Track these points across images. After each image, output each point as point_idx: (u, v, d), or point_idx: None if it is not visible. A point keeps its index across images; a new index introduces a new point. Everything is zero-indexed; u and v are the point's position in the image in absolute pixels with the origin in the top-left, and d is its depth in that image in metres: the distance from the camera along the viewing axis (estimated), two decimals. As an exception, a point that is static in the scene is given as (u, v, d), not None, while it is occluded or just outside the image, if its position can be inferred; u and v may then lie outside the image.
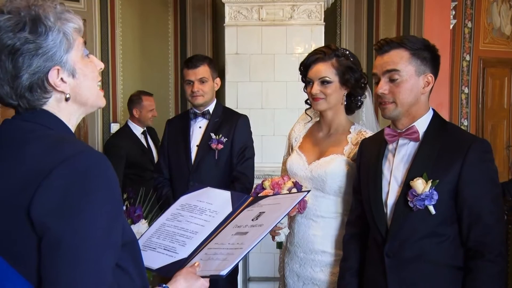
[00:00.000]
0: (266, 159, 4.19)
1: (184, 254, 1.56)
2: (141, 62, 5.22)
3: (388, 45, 1.91)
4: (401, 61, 1.88)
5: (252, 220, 1.59)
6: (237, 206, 1.69)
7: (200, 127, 3.23)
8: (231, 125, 3.20)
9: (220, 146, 3.14)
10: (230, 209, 1.69)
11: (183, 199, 1.80)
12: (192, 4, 5.58)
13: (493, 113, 6.94)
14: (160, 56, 5.40)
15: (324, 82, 2.23)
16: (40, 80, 1.18)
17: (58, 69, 1.19)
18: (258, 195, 2.16)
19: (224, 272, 1.42)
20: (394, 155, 1.95)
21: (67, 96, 1.22)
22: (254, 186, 2.33)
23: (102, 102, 1.32)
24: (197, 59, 3.21)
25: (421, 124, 1.92)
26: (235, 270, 3.25)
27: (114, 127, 5.02)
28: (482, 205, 1.81)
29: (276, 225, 2.22)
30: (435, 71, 1.92)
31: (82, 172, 1.10)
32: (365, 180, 2.02)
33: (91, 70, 1.27)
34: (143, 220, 2.28)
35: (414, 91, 1.89)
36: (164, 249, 1.61)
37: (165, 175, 3.28)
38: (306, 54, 2.36)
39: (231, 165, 3.18)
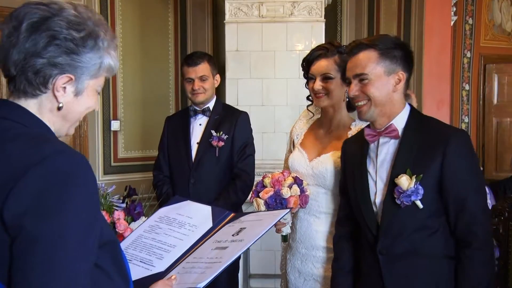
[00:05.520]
0: (266, 156, 4.19)
1: (161, 268, 1.53)
2: (141, 59, 5.20)
3: (357, 47, 1.94)
4: (369, 62, 1.90)
5: (233, 235, 1.57)
6: (218, 221, 1.67)
7: (200, 124, 3.22)
8: (232, 122, 3.19)
9: (221, 143, 3.13)
10: (210, 225, 1.67)
11: (162, 211, 1.77)
12: (192, 1, 5.56)
13: (501, 109, 6.90)
14: (160, 53, 5.38)
15: (326, 78, 2.23)
16: (49, 74, 1.19)
17: (70, 79, 1.21)
18: (253, 204, 2.17)
19: (201, 285, 1.40)
20: (376, 155, 1.97)
21: (60, 105, 1.23)
22: (255, 183, 2.32)
23: (72, 131, 1.33)
24: (197, 56, 3.19)
25: (399, 121, 1.94)
26: (235, 267, 3.26)
27: (114, 125, 5.01)
28: (466, 195, 1.84)
29: (279, 221, 2.23)
30: (407, 68, 1.94)
31: (61, 173, 1.08)
32: (351, 181, 2.04)
33: (92, 103, 1.29)
34: (143, 217, 2.27)
35: (385, 90, 1.90)
36: (140, 261, 1.57)
37: (165, 173, 3.27)
38: (307, 51, 2.37)
39: (232, 162, 3.17)
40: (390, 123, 1.94)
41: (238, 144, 3.18)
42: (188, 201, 1.82)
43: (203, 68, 3.15)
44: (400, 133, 1.93)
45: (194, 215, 1.71)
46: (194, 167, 3.14)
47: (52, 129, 1.25)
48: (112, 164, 5.05)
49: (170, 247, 1.60)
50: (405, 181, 1.83)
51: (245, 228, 1.59)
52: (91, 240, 1.13)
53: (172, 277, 1.47)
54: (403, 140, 1.92)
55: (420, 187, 1.82)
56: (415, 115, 1.97)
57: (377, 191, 1.95)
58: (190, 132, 3.22)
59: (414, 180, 1.82)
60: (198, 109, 3.22)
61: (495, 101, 6.90)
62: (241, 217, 1.68)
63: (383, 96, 1.90)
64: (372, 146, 1.99)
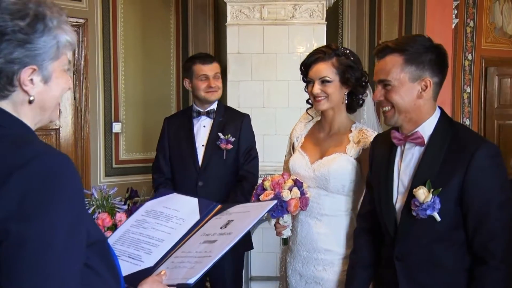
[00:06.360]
0: (267, 158, 4.18)
1: (150, 263, 1.52)
2: (143, 61, 5.21)
3: (383, 51, 1.87)
4: (392, 69, 1.83)
5: (221, 228, 1.56)
6: (205, 214, 1.66)
7: (204, 126, 3.22)
8: (237, 124, 3.21)
9: (230, 146, 3.14)
10: (197, 217, 1.65)
11: (148, 205, 1.75)
12: (194, 3, 5.57)
13: (502, 112, 6.89)
14: (162, 55, 5.39)
15: (324, 81, 2.24)
16: (11, 71, 1.15)
17: (33, 69, 1.16)
18: (257, 198, 2.16)
19: (191, 280, 1.39)
20: (401, 159, 1.93)
21: (31, 98, 1.18)
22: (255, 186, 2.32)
23: (56, 116, 1.28)
24: (209, 55, 3.25)
25: (427, 128, 1.88)
26: (239, 268, 3.27)
27: (116, 127, 5.02)
28: (487, 211, 1.76)
29: (279, 224, 2.23)
30: (437, 72, 1.86)
31: (45, 173, 1.06)
32: (376, 181, 2.00)
33: (64, 81, 1.24)
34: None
35: (409, 97, 1.84)
36: (128, 257, 1.56)
37: (166, 175, 3.25)
38: (308, 54, 2.37)
39: (237, 164, 3.19)
40: (416, 129, 1.87)
41: (243, 147, 3.21)
42: (175, 194, 1.81)
43: (216, 67, 3.22)
44: (426, 140, 1.86)
45: (181, 208, 1.70)
46: (202, 169, 3.15)
47: (33, 124, 1.22)
48: (114, 166, 5.06)
49: (158, 242, 1.58)
50: (422, 194, 1.77)
51: (233, 220, 1.58)
52: (80, 239, 1.11)
53: (162, 273, 1.46)
54: (428, 149, 1.85)
55: (437, 201, 1.75)
56: (444, 122, 1.89)
57: (398, 196, 1.91)
58: (194, 134, 3.22)
59: (431, 194, 1.76)
60: (202, 110, 3.22)
61: (496, 103, 6.90)
62: (228, 209, 1.67)
63: (407, 103, 1.84)
64: (398, 148, 1.94)
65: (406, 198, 1.85)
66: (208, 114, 3.22)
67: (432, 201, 1.76)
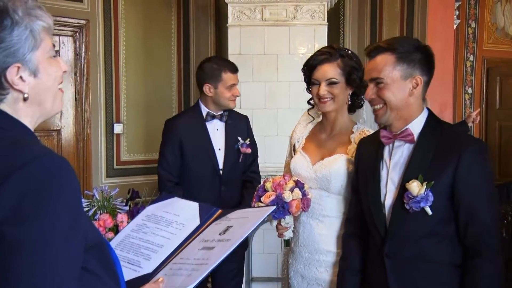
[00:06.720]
0: (269, 159, 4.18)
1: (149, 269, 1.52)
2: (144, 62, 5.21)
3: (375, 51, 1.92)
4: (385, 67, 1.88)
5: (220, 234, 1.55)
6: (205, 219, 1.65)
7: (217, 130, 3.19)
8: (243, 127, 3.25)
9: (249, 150, 3.16)
10: (197, 222, 1.64)
11: (149, 210, 1.75)
12: (195, 4, 5.58)
13: (504, 113, 6.88)
14: (163, 56, 5.39)
15: (331, 83, 2.23)
16: None
17: (18, 67, 1.13)
18: (256, 202, 2.16)
19: None
20: (390, 157, 1.96)
21: (25, 96, 1.15)
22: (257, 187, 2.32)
23: (59, 107, 1.25)
24: (233, 62, 3.21)
25: (416, 126, 1.92)
26: (241, 268, 3.28)
27: (117, 128, 5.02)
28: (478, 205, 1.81)
29: (281, 225, 2.23)
30: (426, 71, 1.92)
31: (43, 175, 1.05)
32: (363, 181, 2.03)
33: (55, 69, 1.21)
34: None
35: (401, 94, 1.89)
36: (128, 262, 1.56)
37: (176, 180, 3.16)
38: (309, 55, 2.36)
39: (244, 166, 3.23)
40: (406, 127, 1.92)
41: (252, 149, 3.24)
42: (176, 198, 1.81)
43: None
44: (415, 137, 1.91)
45: (181, 213, 1.69)
46: (225, 173, 3.14)
47: (34, 121, 1.21)
48: (115, 167, 5.06)
49: (157, 247, 1.58)
50: (415, 187, 1.81)
51: (232, 226, 1.58)
52: (79, 239, 1.10)
53: (160, 280, 1.45)
54: (418, 145, 1.90)
55: (430, 194, 1.80)
56: (432, 120, 1.95)
57: (387, 193, 1.93)
58: (211, 138, 3.16)
59: (425, 186, 1.80)
60: (215, 113, 3.18)
61: (497, 104, 6.90)
62: (228, 214, 1.67)
63: (399, 100, 1.89)
64: (386, 147, 1.98)
65: (397, 194, 1.89)
66: (221, 117, 3.19)
67: (425, 193, 1.80)
